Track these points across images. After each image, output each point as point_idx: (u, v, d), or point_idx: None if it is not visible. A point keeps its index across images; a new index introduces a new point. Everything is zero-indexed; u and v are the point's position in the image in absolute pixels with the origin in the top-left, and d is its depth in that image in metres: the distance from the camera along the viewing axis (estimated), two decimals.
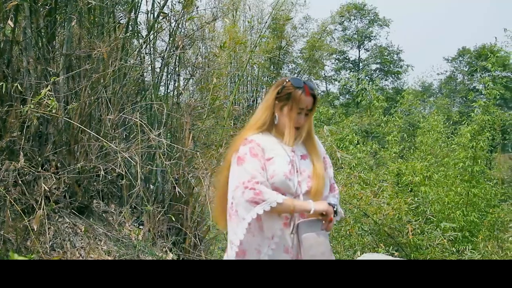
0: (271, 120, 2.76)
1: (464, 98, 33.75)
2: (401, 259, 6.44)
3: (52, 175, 4.73)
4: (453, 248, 7.04)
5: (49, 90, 4.32)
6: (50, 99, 4.24)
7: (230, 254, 2.67)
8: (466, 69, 39.47)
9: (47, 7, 5.36)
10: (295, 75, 18.32)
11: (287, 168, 2.62)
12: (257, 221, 2.61)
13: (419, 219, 7.36)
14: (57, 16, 5.51)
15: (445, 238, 6.84)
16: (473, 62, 37.05)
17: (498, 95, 9.57)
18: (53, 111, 4.30)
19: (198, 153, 6.13)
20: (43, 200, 4.39)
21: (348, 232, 7.45)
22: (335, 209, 2.72)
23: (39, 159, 4.80)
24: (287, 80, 2.74)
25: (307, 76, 21.73)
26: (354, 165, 9.49)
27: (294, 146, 2.71)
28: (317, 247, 2.55)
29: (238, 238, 2.58)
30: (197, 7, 6.95)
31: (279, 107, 2.73)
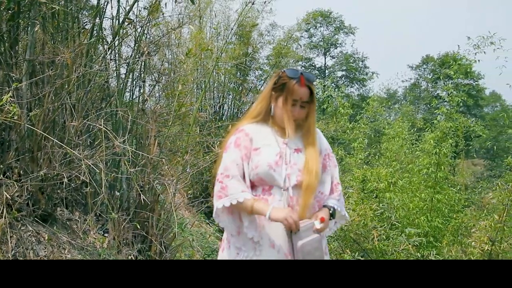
0: (267, 110, 2.74)
1: (428, 105, 34.33)
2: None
3: (15, 182, 4.64)
4: (418, 254, 7.10)
5: (11, 96, 4.24)
6: (11, 105, 4.16)
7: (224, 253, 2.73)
8: (430, 77, 40.24)
9: (9, 11, 5.27)
10: (262, 81, 18.29)
11: (272, 159, 2.59)
12: (240, 221, 2.62)
13: (384, 225, 7.39)
14: (20, 20, 5.42)
15: (410, 244, 6.89)
16: (437, 70, 37.78)
17: (461, 102, 9.67)
18: (15, 117, 4.22)
19: (163, 160, 6.10)
20: (5, 208, 4.31)
21: None
22: (331, 211, 2.72)
23: (1, 166, 4.71)
24: (283, 71, 2.72)
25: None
26: None
27: (288, 139, 2.67)
28: (313, 253, 2.51)
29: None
30: (163, 14, 6.90)
31: (275, 97, 2.70)
